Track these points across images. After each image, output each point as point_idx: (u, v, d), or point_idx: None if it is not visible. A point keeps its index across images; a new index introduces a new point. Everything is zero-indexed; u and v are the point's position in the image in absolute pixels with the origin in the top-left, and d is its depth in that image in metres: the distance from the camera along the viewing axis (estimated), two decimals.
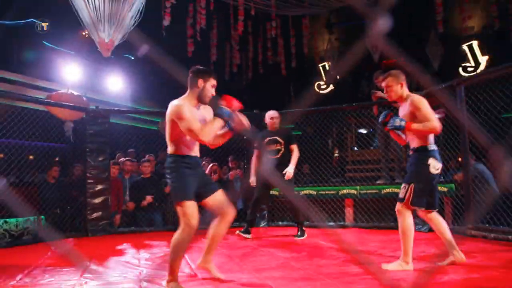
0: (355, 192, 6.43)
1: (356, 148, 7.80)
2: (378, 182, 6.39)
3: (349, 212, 6.50)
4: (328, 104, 7.11)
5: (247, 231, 5.34)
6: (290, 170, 5.14)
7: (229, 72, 11.85)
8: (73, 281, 3.10)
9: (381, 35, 1.03)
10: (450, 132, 5.32)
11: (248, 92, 10.94)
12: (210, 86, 2.86)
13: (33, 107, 6.00)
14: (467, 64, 10.91)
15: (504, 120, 5.01)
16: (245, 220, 5.60)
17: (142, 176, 6.64)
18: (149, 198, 6.43)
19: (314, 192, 6.68)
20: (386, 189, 6.07)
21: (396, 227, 3.40)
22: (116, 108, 8.31)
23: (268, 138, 5.38)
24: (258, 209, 5.78)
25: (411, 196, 3.16)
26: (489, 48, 10.18)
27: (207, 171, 6.56)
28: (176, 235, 2.76)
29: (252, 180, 5.50)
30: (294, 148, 5.32)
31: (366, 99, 7.01)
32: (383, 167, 6.53)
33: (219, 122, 2.79)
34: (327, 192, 6.62)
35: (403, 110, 3.30)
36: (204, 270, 3.12)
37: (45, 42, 9.95)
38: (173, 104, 2.81)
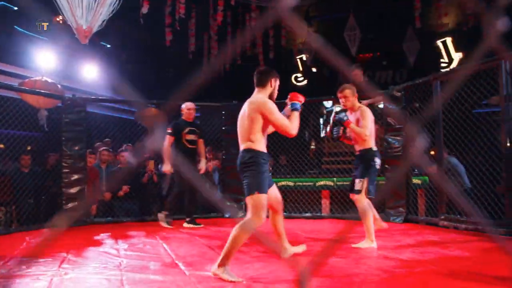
0: (332, 183, 6.54)
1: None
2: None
3: (325, 203, 6.61)
4: (305, 96, 7.15)
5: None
6: (203, 165, 5.49)
7: (207, 62, 11.74)
8: (52, 272, 3.04)
9: (499, 36, 1.05)
10: (425, 125, 5.46)
11: (226, 83, 10.88)
12: (277, 85, 3.11)
13: (5, 94, 5.82)
14: (441, 60, 11.18)
15: (477, 115, 5.17)
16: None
17: (119, 165, 6.55)
18: (125, 188, 6.36)
19: (292, 184, 6.76)
20: None
21: None
22: (92, 97, 8.16)
23: (188, 128, 5.46)
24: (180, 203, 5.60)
25: (366, 188, 3.86)
26: (463, 45, 10.43)
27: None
28: (243, 224, 2.82)
29: (168, 168, 5.35)
30: (202, 141, 5.59)
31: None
32: None
33: (297, 116, 3.05)
34: (304, 183, 6.72)
35: (354, 116, 4.00)
36: (292, 256, 3.32)
37: (17, 27, 9.62)
38: (256, 100, 2.93)
